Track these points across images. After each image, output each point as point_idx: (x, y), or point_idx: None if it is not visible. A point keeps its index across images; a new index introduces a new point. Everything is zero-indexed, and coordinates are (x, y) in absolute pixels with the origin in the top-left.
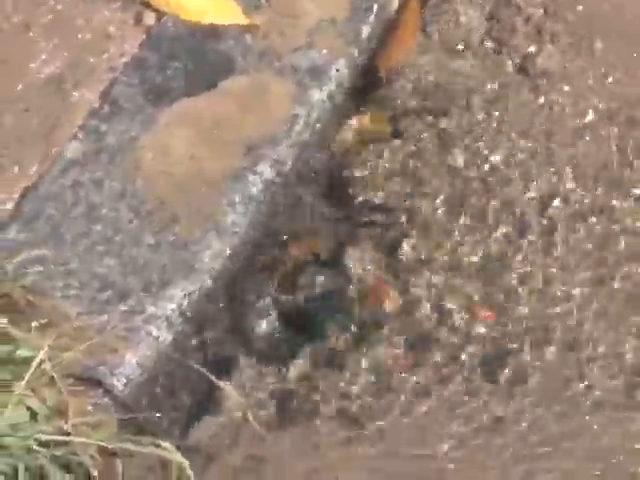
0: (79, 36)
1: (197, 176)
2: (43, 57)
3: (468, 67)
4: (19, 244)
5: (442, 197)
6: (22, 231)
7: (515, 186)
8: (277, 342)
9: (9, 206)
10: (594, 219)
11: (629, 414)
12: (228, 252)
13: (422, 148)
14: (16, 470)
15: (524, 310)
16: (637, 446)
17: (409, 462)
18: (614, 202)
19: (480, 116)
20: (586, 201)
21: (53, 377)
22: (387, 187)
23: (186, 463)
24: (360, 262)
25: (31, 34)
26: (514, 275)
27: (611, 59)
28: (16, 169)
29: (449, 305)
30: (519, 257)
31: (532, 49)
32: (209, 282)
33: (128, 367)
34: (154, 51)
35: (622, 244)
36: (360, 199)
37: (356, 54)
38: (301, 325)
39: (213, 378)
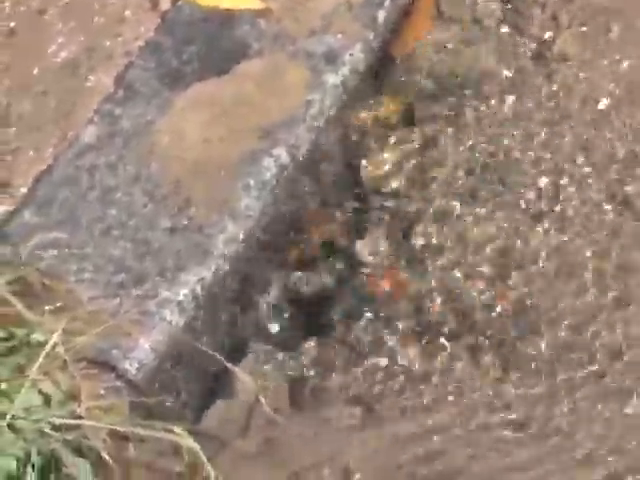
0: (95, 20)
1: (211, 160)
2: (59, 41)
3: (483, 52)
4: (34, 228)
5: (456, 183)
6: (37, 215)
7: (529, 171)
8: (290, 327)
9: (25, 190)
10: (607, 205)
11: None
12: (242, 236)
13: (436, 133)
14: (29, 454)
15: (539, 295)
16: None
17: (421, 447)
18: (628, 188)
19: (495, 101)
20: (600, 187)
21: (66, 361)
22: (401, 173)
23: (197, 448)
24: (373, 248)
25: (47, 18)
26: (528, 260)
27: (626, 45)
28: (32, 152)
29: (462, 292)
30: (535, 242)
31: (548, 35)
32: (223, 266)
33: (141, 351)
34: (169, 35)
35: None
36: (374, 185)
37: (371, 39)
38: (313, 310)
39: (226, 362)
